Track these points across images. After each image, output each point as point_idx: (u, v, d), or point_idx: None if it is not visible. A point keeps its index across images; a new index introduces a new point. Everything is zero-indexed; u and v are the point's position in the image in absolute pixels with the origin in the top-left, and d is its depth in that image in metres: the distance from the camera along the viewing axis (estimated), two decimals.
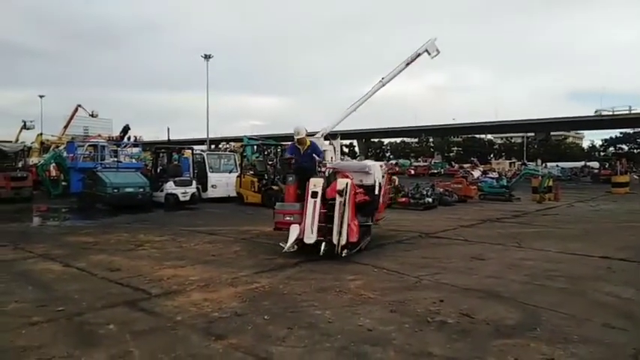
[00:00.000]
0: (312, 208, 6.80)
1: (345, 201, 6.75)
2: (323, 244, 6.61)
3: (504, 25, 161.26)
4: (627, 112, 59.53)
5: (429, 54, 23.94)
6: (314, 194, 6.89)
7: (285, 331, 3.93)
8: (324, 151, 9.71)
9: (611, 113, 61.03)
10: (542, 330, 4.01)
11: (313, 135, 20.49)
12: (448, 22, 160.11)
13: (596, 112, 62.87)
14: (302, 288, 5.23)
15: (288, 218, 7.31)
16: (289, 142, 9.57)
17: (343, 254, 6.51)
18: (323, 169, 7.88)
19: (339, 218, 6.63)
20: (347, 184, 6.90)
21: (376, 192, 8.03)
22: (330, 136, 22.68)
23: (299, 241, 6.76)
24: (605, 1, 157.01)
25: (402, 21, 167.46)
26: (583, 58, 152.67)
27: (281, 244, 6.92)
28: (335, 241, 6.53)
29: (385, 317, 4.32)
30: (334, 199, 6.82)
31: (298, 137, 8.34)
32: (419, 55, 24.10)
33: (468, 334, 3.93)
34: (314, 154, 8.31)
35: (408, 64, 24.27)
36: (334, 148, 22.07)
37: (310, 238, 6.67)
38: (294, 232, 6.84)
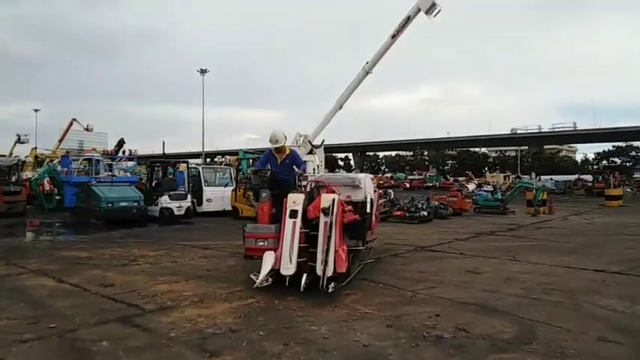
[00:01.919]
0: (291, 230, 5.64)
1: (331, 222, 5.60)
2: (304, 276, 5.47)
3: (497, 39, 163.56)
4: (537, 131, 68.35)
5: (426, 13, 18.10)
6: (293, 213, 5.74)
7: (281, 347, 3.89)
8: (306, 162, 8.11)
9: (525, 131, 69.20)
10: (539, 344, 4.00)
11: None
12: (442, 35, 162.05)
13: (512, 130, 69.91)
14: (297, 303, 5.19)
15: (261, 243, 6.01)
16: None
17: (330, 289, 5.30)
18: (304, 183, 6.62)
19: (324, 243, 5.49)
20: (333, 201, 5.75)
21: (368, 209, 6.96)
22: (312, 145, 19.07)
23: (274, 272, 5.62)
24: (597, 16, 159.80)
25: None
26: (575, 71, 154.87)
27: (252, 276, 5.75)
28: (319, 273, 5.39)
29: (381, 332, 4.30)
30: (317, 220, 5.73)
31: (276, 146, 6.91)
32: (409, 18, 18.65)
33: (464, 348, 3.91)
34: (294, 165, 6.92)
35: (394, 37, 19.11)
36: (317, 158, 18.30)
37: (288, 268, 5.50)
38: (268, 261, 5.65)
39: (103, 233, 12.34)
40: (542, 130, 67.23)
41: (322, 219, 5.68)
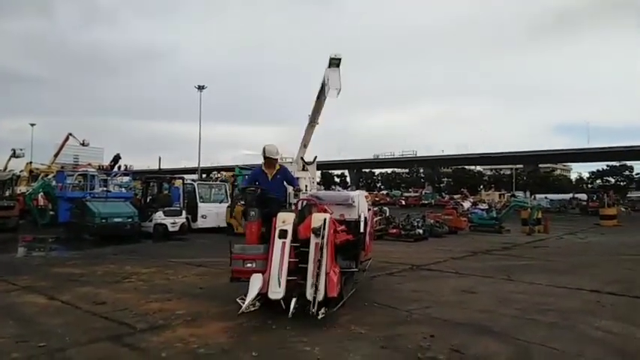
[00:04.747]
0: (280, 252, 5.43)
1: (322, 242, 5.37)
2: (293, 300, 5.21)
3: (493, 61, 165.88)
4: (412, 154, 77.17)
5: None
6: (282, 233, 5.51)
7: None
8: (298, 178, 7.94)
9: (391, 155, 79.30)
10: None
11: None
12: (440, 57, 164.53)
13: (373, 156, 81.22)
14: (291, 323, 5.12)
15: (249, 265, 5.71)
16: None
17: (320, 315, 5.09)
18: (295, 200, 6.48)
19: (315, 266, 5.27)
20: (325, 221, 5.51)
21: (362, 229, 6.68)
22: (305, 162, 18.42)
23: (261, 295, 5.42)
24: (591, 38, 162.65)
25: (395, 56, 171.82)
26: (569, 92, 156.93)
27: (239, 300, 5.51)
28: (309, 297, 5.17)
29: (375, 353, 4.26)
30: (308, 240, 5.49)
31: (274, 157, 6.74)
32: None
33: None
34: (285, 182, 6.78)
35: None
36: (309, 174, 17.92)
37: (277, 292, 5.26)
38: (255, 284, 5.39)
39: (96, 249, 12.24)
40: (419, 154, 73.31)
41: (313, 240, 5.44)
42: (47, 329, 4.91)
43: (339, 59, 14.84)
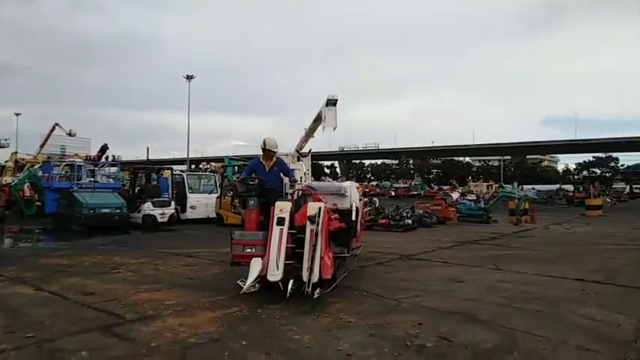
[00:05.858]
0: (278, 237, 5.79)
1: (317, 229, 5.77)
2: (290, 282, 5.60)
3: (483, 52, 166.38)
4: (374, 148, 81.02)
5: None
6: (280, 221, 5.87)
7: (263, 357, 3.87)
8: (293, 170, 8.68)
9: (355, 148, 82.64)
10: (519, 353, 4.04)
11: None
12: (429, 48, 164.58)
13: (339, 148, 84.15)
14: (281, 311, 5.17)
15: (248, 250, 6.10)
16: None
17: (315, 295, 5.51)
18: (291, 191, 6.90)
19: (310, 250, 5.69)
20: (320, 209, 5.93)
21: (353, 217, 7.18)
22: (300, 153, 19.20)
23: (261, 278, 5.76)
24: (581, 30, 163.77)
25: (384, 46, 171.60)
26: (558, 84, 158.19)
27: (239, 282, 5.89)
28: (305, 279, 5.57)
29: (364, 341, 4.29)
30: (304, 227, 5.90)
31: (273, 149, 7.17)
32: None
33: (446, 357, 3.93)
34: (281, 173, 7.20)
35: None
36: (304, 166, 18.72)
37: (275, 275, 5.61)
38: (255, 267, 5.76)
39: (84, 240, 12.15)
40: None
41: (308, 227, 5.82)
42: (35, 320, 4.87)
43: (336, 100, 15.52)
